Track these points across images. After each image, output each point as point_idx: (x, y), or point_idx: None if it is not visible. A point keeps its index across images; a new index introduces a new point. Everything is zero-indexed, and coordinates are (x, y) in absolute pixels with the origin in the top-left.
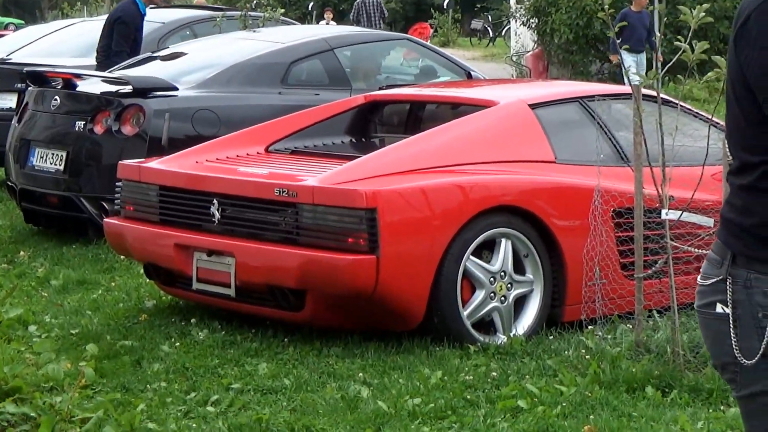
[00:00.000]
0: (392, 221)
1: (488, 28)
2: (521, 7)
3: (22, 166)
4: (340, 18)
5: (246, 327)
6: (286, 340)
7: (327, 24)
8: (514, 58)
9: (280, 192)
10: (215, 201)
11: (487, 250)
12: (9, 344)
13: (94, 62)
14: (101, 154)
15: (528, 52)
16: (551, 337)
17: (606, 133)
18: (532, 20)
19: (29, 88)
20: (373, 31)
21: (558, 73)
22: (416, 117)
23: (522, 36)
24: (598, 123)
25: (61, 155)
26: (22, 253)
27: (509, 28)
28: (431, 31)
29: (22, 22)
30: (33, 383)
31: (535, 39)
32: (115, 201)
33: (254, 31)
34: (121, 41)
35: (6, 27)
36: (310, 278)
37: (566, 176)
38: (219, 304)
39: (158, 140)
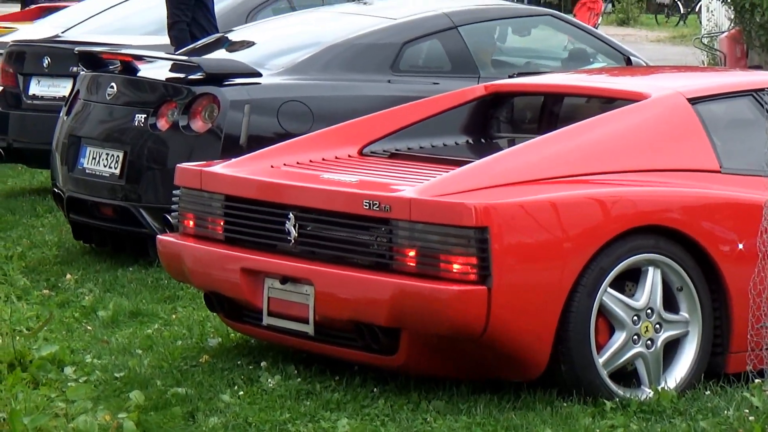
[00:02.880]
0: (508, 243)
1: (678, 3)
2: None
3: (70, 169)
4: None
5: (328, 373)
6: (375, 390)
7: None
8: (705, 41)
9: (370, 205)
10: (291, 215)
11: (630, 281)
12: (37, 389)
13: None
14: (166, 155)
15: (723, 32)
16: (708, 392)
17: None
18: None
19: (81, 73)
20: (509, 4)
21: (760, 60)
22: (550, 113)
23: (715, 13)
24: None
25: (117, 156)
26: (68, 276)
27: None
28: (604, 5)
29: None
30: None
31: (731, 16)
32: (172, 213)
33: (365, 3)
34: (175, 12)
35: None
36: (405, 314)
37: (734, 189)
38: (294, 344)
39: (236, 138)
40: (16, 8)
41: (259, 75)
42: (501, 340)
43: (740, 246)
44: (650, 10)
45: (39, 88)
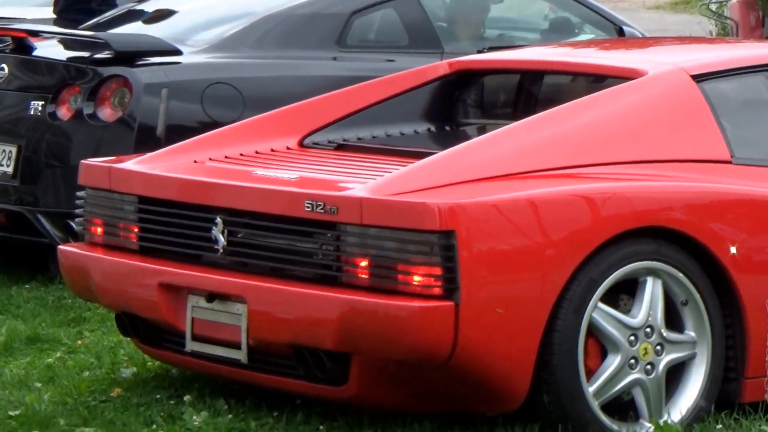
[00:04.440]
0: (479, 250)
1: None
2: None
3: None
4: None
5: (264, 408)
6: (321, 427)
7: None
8: (713, 7)
9: (312, 206)
10: (219, 220)
11: (625, 294)
12: None
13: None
14: (68, 150)
15: None
16: (719, 426)
17: None
18: None
19: None
20: None
21: None
22: (527, 94)
23: None
24: None
25: (10, 151)
26: None
27: None
28: None
29: None
30: None
31: None
32: (76, 219)
33: None
34: None
35: None
36: (356, 336)
37: (748, 183)
38: (224, 374)
39: (152, 128)
40: None
41: (180, 53)
42: (471, 365)
43: (756, 251)
44: None
45: None
